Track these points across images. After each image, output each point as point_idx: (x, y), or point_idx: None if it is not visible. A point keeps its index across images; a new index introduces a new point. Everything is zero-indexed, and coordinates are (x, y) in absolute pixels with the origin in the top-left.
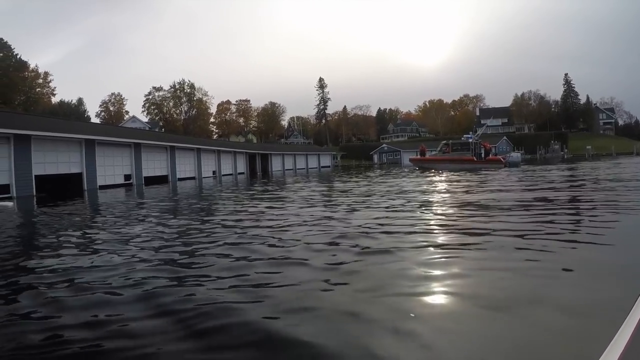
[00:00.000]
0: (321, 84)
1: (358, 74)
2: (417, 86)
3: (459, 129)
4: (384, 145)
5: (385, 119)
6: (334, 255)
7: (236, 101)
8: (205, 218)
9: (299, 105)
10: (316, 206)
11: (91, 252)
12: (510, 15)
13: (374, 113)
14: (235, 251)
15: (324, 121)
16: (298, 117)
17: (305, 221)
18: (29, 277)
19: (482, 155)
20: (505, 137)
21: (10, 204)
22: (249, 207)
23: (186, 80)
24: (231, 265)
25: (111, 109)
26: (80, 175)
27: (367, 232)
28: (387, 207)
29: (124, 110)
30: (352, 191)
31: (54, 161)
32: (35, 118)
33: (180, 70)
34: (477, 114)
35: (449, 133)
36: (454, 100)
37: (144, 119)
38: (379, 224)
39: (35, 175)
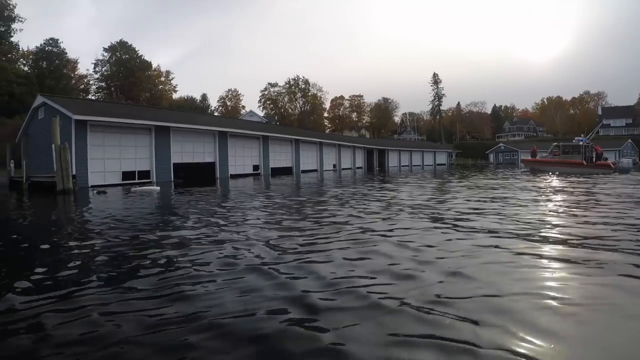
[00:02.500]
0: (435, 80)
1: (472, 69)
2: (534, 82)
3: (578, 129)
4: (500, 144)
5: (501, 117)
6: None
7: (349, 96)
8: None
9: (412, 101)
10: None
11: None
12: (632, 3)
13: (488, 110)
14: None
15: (438, 117)
16: (410, 113)
17: None
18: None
19: (594, 159)
20: (630, 141)
21: (157, 188)
22: None
23: (300, 76)
24: None
25: (228, 104)
26: (213, 164)
27: None
28: None
29: (240, 105)
30: None
31: (189, 151)
32: (173, 112)
33: (294, 67)
34: (599, 112)
35: (568, 133)
36: (573, 98)
37: (260, 113)
38: None
39: (173, 163)
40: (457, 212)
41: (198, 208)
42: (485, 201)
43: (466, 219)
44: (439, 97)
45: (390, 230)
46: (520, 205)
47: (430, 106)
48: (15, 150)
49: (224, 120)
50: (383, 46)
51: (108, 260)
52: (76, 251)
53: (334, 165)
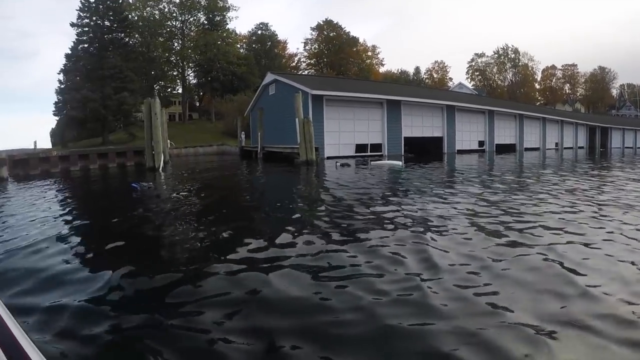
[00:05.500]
0: None
1: None
2: None
3: None
4: None
5: None
6: None
7: (562, 66)
8: None
9: (632, 70)
10: None
11: None
12: None
13: None
14: None
15: None
16: (629, 85)
17: None
18: None
19: None
20: None
21: (399, 162)
22: None
23: (510, 45)
24: None
25: (435, 76)
26: (440, 139)
27: None
28: None
29: (447, 77)
30: None
31: (419, 125)
32: (402, 86)
33: (502, 35)
34: None
35: None
36: None
37: (469, 85)
38: None
39: (404, 137)
40: None
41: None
42: None
43: None
44: None
45: None
46: None
47: None
48: (242, 123)
49: (451, 94)
50: (598, 5)
51: None
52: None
53: (556, 144)
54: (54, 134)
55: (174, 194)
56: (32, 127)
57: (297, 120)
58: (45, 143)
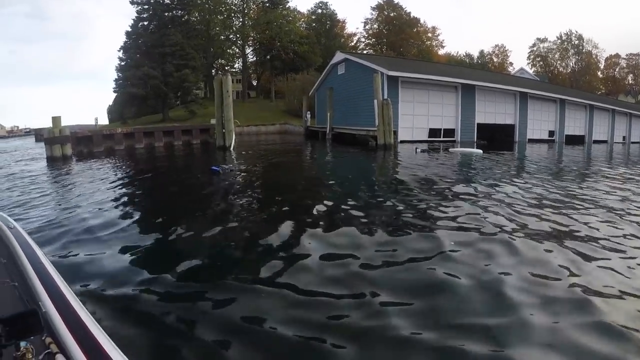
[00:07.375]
0: None
1: None
2: None
3: None
4: None
5: None
6: None
7: (626, 55)
8: None
9: None
10: None
11: None
12: None
13: None
14: None
15: None
16: None
17: None
18: None
19: None
20: None
21: (479, 151)
22: None
23: (573, 30)
24: None
25: (494, 59)
26: (512, 127)
27: None
28: None
29: (507, 62)
30: None
31: (492, 111)
32: (476, 71)
33: (566, 19)
34: None
35: None
36: None
37: (530, 71)
38: None
39: (477, 123)
40: None
41: None
42: None
43: None
44: None
45: None
46: None
47: None
48: (307, 102)
49: (522, 80)
50: None
51: None
52: None
53: (624, 137)
54: (111, 111)
55: (258, 176)
56: (92, 104)
57: (375, 102)
58: (103, 120)
